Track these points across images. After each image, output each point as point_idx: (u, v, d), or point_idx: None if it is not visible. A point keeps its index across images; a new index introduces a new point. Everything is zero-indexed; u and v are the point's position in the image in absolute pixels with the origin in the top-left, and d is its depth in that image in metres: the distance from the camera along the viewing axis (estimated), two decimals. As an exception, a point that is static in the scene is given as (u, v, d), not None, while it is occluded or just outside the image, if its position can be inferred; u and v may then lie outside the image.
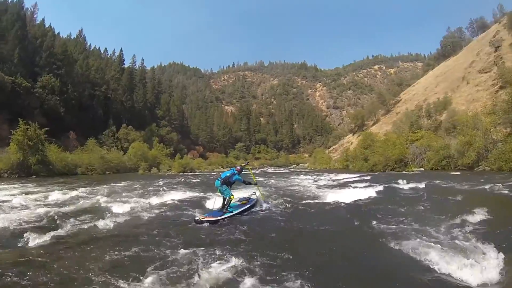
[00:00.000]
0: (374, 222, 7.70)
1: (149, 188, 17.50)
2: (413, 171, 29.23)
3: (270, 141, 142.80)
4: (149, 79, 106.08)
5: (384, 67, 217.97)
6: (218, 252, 5.63)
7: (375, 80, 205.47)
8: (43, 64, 61.39)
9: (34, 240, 6.46)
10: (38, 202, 11.79)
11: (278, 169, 69.50)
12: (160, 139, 77.80)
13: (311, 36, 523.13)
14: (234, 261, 5.04)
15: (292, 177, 29.91)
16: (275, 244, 6.31)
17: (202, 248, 5.86)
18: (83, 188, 16.49)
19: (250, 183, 10.23)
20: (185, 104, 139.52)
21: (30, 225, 7.82)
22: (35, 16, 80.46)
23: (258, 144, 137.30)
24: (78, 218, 8.75)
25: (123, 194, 14.77)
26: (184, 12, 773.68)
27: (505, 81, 39.89)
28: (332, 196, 12.42)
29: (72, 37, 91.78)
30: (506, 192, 11.18)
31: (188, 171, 53.20)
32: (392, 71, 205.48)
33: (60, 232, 7.25)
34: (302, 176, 30.57)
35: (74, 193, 14.45)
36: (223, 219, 8.68)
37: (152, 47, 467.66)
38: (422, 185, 14.05)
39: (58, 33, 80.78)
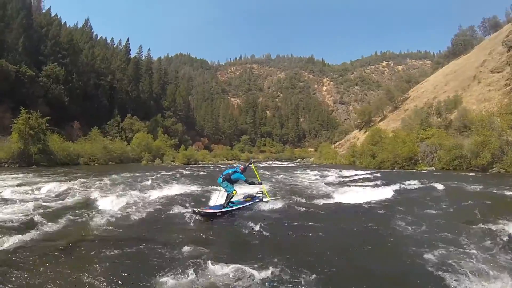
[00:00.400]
0: (391, 227, 6.99)
1: (149, 181, 16.81)
2: (423, 170, 28.28)
3: (276, 134, 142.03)
4: (155, 69, 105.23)
5: (392, 64, 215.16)
6: (217, 252, 5.37)
7: (382, 77, 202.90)
8: (48, 53, 60.77)
9: (10, 241, 5.76)
10: (28, 195, 11.12)
11: (283, 162, 68.83)
12: (165, 130, 77.29)
13: (319, 31, 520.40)
14: (233, 263, 4.75)
15: (298, 172, 29.15)
16: (280, 247, 5.78)
17: (200, 248, 5.54)
18: (80, 179, 15.80)
19: (253, 183, 9.69)
20: (191, 96, 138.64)
21: (10, 224, 7.10)
22: (41, 4, 80.00)
23: (263, 137, 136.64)
24: (66, 215, 8.05)
25: (121, 187, 14.13)
26: (192, 5, 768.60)
27: (518, 81, 38.70)
28: (343, 196, 11.63)
29: (78, 27, 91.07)
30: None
31: (192, 162, 52.78)
32: (400, 68, 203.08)
33: (43, 231, 6.65)
34: (309, 171, 29.73)
35: (69, 185, 13.77)
36: (221, 213, 8.49)
37: (159, 38, 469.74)
38: (439, 186, 13.11)
39: (65, 22, 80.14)
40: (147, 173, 23.38)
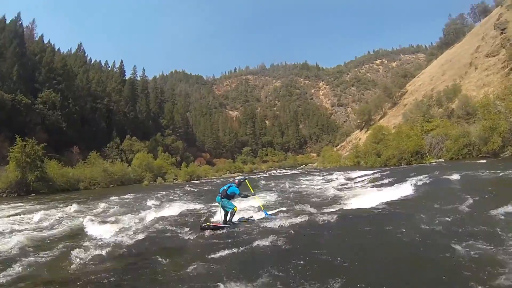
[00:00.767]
0: (417, 227, 6.25)
1: (146, 202, 16.15)
2: (432, 162, 27.49)
3: (277, 143, 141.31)
4: (151, 89, 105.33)
5: (386, 61, 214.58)
6: (227, 271, 4.93)
7: (377, 75, 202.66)
8: (42, 80, 60.56)
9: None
10: (19, 226, 10.46)
11: (286, 171, 68.02)
12: (165, 148, 76.69)
13: (310, 35, 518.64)
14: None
15: (303, 179, 28.41)
16: (295, 262, 5.04)
17: (206, 269, 5.18)
18: (75, 206, 15.08)
19: (247, 196, 9.30)
20: (189, 112, 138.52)
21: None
22: (34, 32, 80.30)
23: (264, 147, 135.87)
24: (54, 247, 7.36)
25: (116, 211, 13.44)
26: (182, 21, 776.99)
27: (516, 62, 38.23)
28: (356, 199, 10.90)
29: (72, 52, 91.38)
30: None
31: (195, 179, 51.99)
32: (394, 64, 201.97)
33: (30, 265, 5.98)
34: (314, 177, 28.99)
35: (62, 212, 13.16)
36: (228, 226, 8.45)
37: (153, 57, 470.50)
38: (454, 177, 12.27)
39: (59, 49, 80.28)
40: (146, 194, 22.70)
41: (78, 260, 6.22)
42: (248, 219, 9.26)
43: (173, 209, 12.67)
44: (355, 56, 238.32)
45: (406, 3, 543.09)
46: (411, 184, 11.99)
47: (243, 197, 9.25)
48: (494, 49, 49.04)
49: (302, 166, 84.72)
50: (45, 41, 75.62)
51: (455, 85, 47.84)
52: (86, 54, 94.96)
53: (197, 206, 13.65)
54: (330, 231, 6.91)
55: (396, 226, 6.59)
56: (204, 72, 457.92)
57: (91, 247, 7.18)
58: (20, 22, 66.25)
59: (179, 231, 8.45)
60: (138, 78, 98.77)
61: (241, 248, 6.37)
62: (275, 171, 70.62)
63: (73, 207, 14.68)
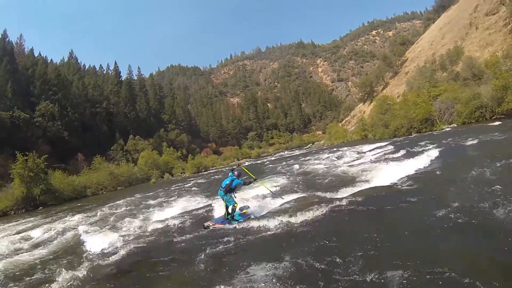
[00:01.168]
0: (452, 202, 5.68)
1: (151, 202, 15.77)
2: (443, 129, 26.57)
3: (281, 124, 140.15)
4: (149, 86, 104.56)
5: (382, 31, 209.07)
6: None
7: (375, 46, 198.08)
8: (38, 93, 60.04)
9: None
10: (18, 245, 10.06)
11: (294, 151, 67.48)
12: (170, 143, 76.36)
13: (302, 12, 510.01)
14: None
15: (312, 158, 27.68)
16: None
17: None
18: (78, 216, 14.73)
19: (250, 182, 9.39)
20: (190, 104, 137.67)
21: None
22: (23, 47, 79.50)
23: (269, 130, 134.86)
24: (40, 270, 6.86)
25: (118, 216, 13.00)
26: (171, 16, 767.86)
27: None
28: (373, 177, 10.11)
29: (65, 61, 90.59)
30: None
31: (203, 170, 51.76)
32: (390, 33, 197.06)
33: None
34: (323, 155, 28.15)
35: (62, 225, 12.69)
36: (230, 223, 8.34)
37: (147, 55, 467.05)
38: (472, 142, 11.70)
39: (51, 60, 79.51)
40: (152, 193, 22.39)
41: (67, 280, 5.80)
42: (250, 216, 8.82)
43: (175, 209, 12.30)
44: (350, 29, 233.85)
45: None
46: (428, 155, 11.35)
47: (248, 184, 9.30)
48: (493, 7, 47.96)
49: (309, 145, 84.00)
50: (36, 54, 75.01)
51: (457, 47, 46.54)
52: (79, 61, 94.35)
53: (200, 202, 13.19)
54: (354, 216, 6.41)
55: (428, 203, 6.06)
56: (200, 63, 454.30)
57: (85, 262, 6.79)
58: (7, 39, 65.36)
59: (179, 233, 8.16)
60: (135, 78, 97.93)
61: (243, 247, 5.99)
62: (282, 153, 70.18)
63: (76, 217, 14.31)
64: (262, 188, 10.97)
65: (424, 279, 3.54)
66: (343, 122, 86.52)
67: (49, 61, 76.65)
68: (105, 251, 7.50)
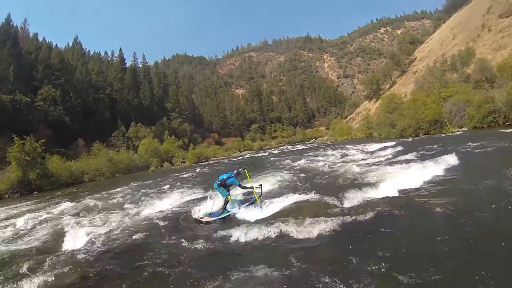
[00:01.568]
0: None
1: (148, 190, 15.42)
2: (453, 132, 25.70)
3: (285, 118, 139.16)
4: (153, 74, 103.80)
5: (390, 29, 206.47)
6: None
7: (382, 44, 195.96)
8: (41, 77, 59.49)
9: None
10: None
11: (297, 145, 66.83)
12: (172, 132, 75.65)
13: (311, 6, 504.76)
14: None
15: (316, 154, 26.99)
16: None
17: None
18: (67, 204, 14.20)
19: (245, 187, 9.67)
20: (194, 93, 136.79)
21: None
22: (27, 31, 78.95)
23: (273, 123, 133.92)
24: (28, 260, 6.34)
25: (108, 206, 12.51)
26: (181, 3, 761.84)
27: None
28: (386, 181, 9.22)
29: (69, 47, 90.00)
30: None
31: (203, 160, 51.25)
32: (399, 32, 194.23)
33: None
34: (327, 151, 27.40)
35: (49, 214, 12.19)
36: (221, 219, 8.60)
37: (152, 43, 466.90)
38: (489, 149, 11.02)
39: (56, 45, 78.70)
40: (149, 182, 21.89)
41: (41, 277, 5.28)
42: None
43: (169, 200, 11.97)
44: (358, 26, 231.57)
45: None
46: (443, 160, 10.60)
47: (242, 188, 9.59)
48: (507, 9, 47.01)
49: (312, 140, 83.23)
50: (40, 39, 74.39)
51: (468, 48, 45.34)
52: (84, 47, 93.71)
53: (194, 194, 12.73)
54: (361, 230, 5.72)
55: (452, 218, 5.48)
56: (206, 53, 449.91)
57: (63, 258, 6.26)
58: (11, 23, 65.11)
59: (169, 227, 7.87)
60: (140, 65, 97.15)
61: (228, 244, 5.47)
62: (285, 147, 69.56)
63: (64, 205, 13.80)
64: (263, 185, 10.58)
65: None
66: (347, 119, 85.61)
67: (53, 47, 75.93)
68: (86, 247, 6.98)
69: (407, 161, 13.10)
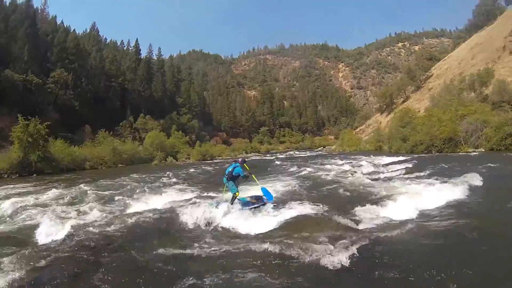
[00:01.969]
0: None
1: (147, 184, 14.85)
2: (469, 152, 24.63)
3: (295, 124, 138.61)
4: (167, 67, 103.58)
5: (408, 45, 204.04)
6: None
7: (399, 58, 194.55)
8: (55, 60, 59.62)
9: None
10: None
11: (304, 152, 66.01)
12: (181, 127, 75.18)
13: (330, 16, 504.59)
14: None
15: (324, 162, 26.10)
16: None
17: None
18: (55, 191, 13.41)
19: (246, 177, 9.50)
20: (206, 91, 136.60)
21: None
22: (46, 13, 79.56)
23: (282, 127, 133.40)
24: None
25: (101, 198, 11.80)
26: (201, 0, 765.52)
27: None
28: (403, 198, 8.11)
29: (86, 33, 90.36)
30: None
31: (208, 158, 50.56)
32: (417, 48, 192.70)
33: None
34: (336, 161, 26.55)
35: (35, 200, 11.48)
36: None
37: (170, 36, 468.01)
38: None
39: (74, 30, 78.94)
40: (149, 176, 21.13)
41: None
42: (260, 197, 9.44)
43: (163, 198, 11.13)
44: (376, 39, 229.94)
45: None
46: (464, 181, 9.65)
47: (243, 177, 9.42)
48: None
49: (320, 148, 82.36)
50: (58, 22, 74.86)
51: (487, 69, 43.80)
52: (100, 34, 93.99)
53: (194, 195, 11.85)
54: (372, 257, 4.86)
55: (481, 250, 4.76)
56: (222, 51, 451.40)
57: (35, 250, 5.55)
58: (31, 3, 65.67)
59: (154, 226, 7.19)
60: (154, 57, 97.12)
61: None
62: (292, 152, 68.96)
63: (52, 192, 13.05)
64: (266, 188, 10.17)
65: None
66: (357, 130, 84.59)
67: (71, 31, 76.17)
68: (64, 240, 6.19)
69: (424, 178, 12.19)
